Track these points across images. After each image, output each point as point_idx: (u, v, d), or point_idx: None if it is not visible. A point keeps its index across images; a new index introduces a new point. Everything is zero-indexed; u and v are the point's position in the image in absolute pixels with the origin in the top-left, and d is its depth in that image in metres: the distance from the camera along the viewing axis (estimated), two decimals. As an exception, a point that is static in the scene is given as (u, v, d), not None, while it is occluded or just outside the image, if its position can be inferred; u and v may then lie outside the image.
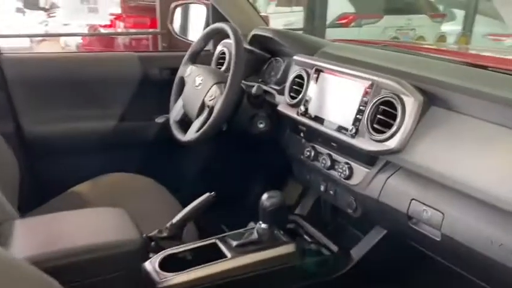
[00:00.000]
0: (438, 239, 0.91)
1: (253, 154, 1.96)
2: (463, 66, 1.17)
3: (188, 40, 2.06)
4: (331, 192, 1.24)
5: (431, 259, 1.04)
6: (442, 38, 5.93)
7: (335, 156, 1.17)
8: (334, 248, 1.23)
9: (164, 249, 1.14)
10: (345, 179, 1.12)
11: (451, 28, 6.31)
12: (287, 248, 1.13)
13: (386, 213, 1.04)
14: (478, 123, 0.87)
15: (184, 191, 1.85)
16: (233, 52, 1.31)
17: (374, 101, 1.02)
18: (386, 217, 1.07)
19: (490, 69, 1.12)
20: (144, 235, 1.15)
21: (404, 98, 0.96)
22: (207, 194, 1.20)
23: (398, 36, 5.73)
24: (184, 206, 1.43)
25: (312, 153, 1.24)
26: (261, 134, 1.42)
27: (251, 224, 1.33)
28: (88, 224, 1.01)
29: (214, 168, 1.89)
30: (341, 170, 1.13)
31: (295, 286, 1.15)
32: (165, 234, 1.16)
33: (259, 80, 1.60)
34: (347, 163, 1.13)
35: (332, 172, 1.17)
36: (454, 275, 0.99)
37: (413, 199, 0.95)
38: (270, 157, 1.82)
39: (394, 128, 0.95)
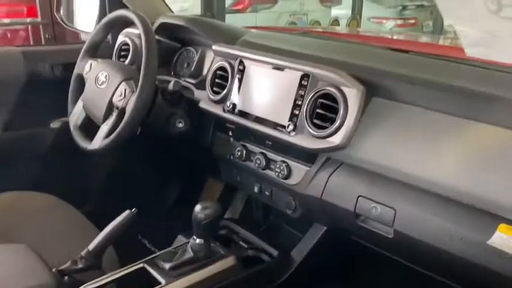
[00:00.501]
0: (390, 236, 0.86)
1: (167, 155, 1.80)
2: (385, 51, 1.14)
3: (79, 30, 1.81)
4: (267, 193, 1.15)
5: (376, 251, 1.01)
6: (335, 22, 6.18)
7: (270, 155, 1.08)
8: (273, 251, 1.14)
9: (83, 283, 0.95)
10: (283, 179, 1.04)
11: (340, 12, 6.61)
12: (226, 262, 1.01)
13: (330, 212, 0.98)
14: (423, 113, 0.83)
15: (93, 207, 1.63)
16: (143, 44, 1.13)
17: (311, 94, 0.94)
18: (331, 216, 1.01)
19: (411, 53, 1.11)
20: (54, 269, 0.96)
21: (345, 90, 0.89)
22: (127, 212, 1.03)
23: (295, 21, 5.84)
24: (97, 224, 1.24)
25: (244, 153, 1.13)
26: (180, 134, 1.27)
27: (180, 238, 1.19)
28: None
29: (124, 176, 1.70)
30: (278, 170, 1.04)
31: (239, 301, 1.04)
32: (80, 265, 0.98)
33: (172, 73, 1.44)
34: (284, 161, 1.04)
35: (268, 172, 1.08)
36: (400, 266, 0.97)
37: (360, 196, 0.90)
38: (185, 157, 1.68)
39: (337, 123, 0.88)
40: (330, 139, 0.89)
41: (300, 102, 0.96)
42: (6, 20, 3.96)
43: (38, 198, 1.32)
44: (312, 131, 0.92)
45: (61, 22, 1.77)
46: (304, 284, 1.14)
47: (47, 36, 3.20)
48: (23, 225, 1.18)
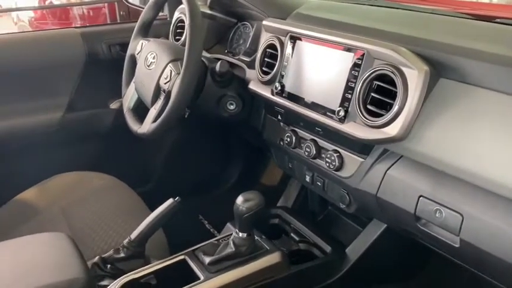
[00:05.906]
0: (456, 245, 0.73)
1: (229, 135, 1.75)
2: (466, 20, 0.95)
3: (138, 7, 1.79)
4: (319, 183, 1.04)
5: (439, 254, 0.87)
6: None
7: (321, 142, 0.97)
8: (327, 247, 1.04)
9: (124, 272, 0.94)
10: (334, 170, 0.92)
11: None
12: (271, 259, 0.94)
13: (387, 211, 0.86)
14: (503, 100, 0.66)
15: (152, 187, 1.64)
16: (187, 20, 1.06)
17: (366, 76, 0.80)
18: (388, 215, 0.88)
19: (498, 21, 0.91)
20: (97, 258, 0.96)
21: (405, 71, 0.75)
22: (170, 200, 0.99)
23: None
24: (155, 205, 1.23)
25: (293, 139, 1.03)
26: (232, 116, 1.19)
27: (228, 227, 1.14)
28: (19, 260, 0.80)
29: (184, 156, 1.68)
30: (329, 160, 0.93)
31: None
32: (122, 254, 0.96)
33: (226, 50, 1.36)
34: (336, 151, 0.92)
35: (318, 161, 0.97)
36: (466, 272, 0.82)
37: (421, 196, 0.76)
38: (245, 137, 1.61)
39: (394, 110, 0.75)
40: (385, 129, 0.76)
41: (352, 85, 0.83)
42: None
43: (97, 179, 1.34)
44: (364, 118, 0.79)
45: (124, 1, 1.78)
46: (357, 286, 1.04)
47: (121, 13, 3.30)
48: (79, 206, 1.20)
